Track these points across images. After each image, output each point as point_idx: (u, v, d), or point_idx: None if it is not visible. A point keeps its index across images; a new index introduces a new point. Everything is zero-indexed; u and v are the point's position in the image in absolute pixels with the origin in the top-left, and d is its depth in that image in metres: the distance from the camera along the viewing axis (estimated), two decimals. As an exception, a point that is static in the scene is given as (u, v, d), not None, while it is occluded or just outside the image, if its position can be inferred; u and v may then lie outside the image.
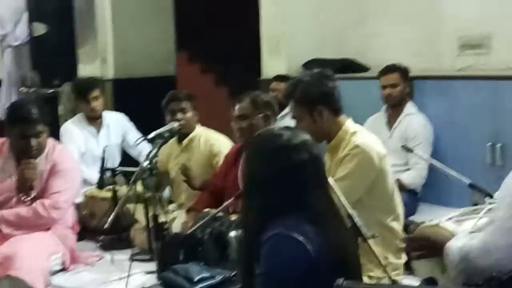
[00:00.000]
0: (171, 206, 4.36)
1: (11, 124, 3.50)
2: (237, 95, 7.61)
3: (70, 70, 7.01)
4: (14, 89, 7.89)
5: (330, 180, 2.55)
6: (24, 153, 3.50)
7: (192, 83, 7.72)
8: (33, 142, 3.48)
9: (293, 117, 3.13)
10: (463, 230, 2.47)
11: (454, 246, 2.28)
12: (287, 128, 2.29)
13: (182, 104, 4.03)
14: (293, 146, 2.17)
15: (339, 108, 3.06)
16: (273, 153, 2.19)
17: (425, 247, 2.39)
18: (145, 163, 3.19)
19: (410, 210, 4.30)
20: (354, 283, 1.97)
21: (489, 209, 2.54)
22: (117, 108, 6.81)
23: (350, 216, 2.56)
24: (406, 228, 3.12)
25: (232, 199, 3.07)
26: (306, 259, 2.05)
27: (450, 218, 2.53)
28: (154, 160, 3.25)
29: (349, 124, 3.07)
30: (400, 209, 3.13)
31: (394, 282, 2.42)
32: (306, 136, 2.25)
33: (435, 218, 4.02)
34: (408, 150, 3.53)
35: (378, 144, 3.08)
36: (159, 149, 3.38)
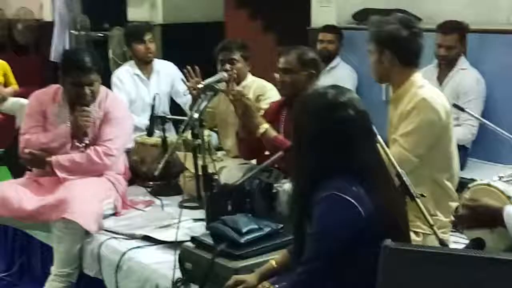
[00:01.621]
0: (219, 153, 4.42)
1: (65, 73, 3.57)
2: (285, 42, 7.64)
3: (119, 14, 7.06)
4: (66, 32, 8.00)
5: (379, 138, 2.58)
6: (78, 100, 3.58)
7: (240, 28, 7.70)
8: (87, 90, 3.55)
9: (368, 50, 3.10)
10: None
11: None
12: (333, 86, 2.30)
13: (232, 54, 4.04)
14: (338, 103, 2.19)
15: (411, 60, 3.02)
16: (319, 111, 2.21)
17: (480, 215, 2.37)
18: (195, 115, 3.22)
19: (460, 165, 4.26)
20: (401, 244, 1.99)
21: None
22: (166, 52, 6.88)
23: (398, 175, 2.58)
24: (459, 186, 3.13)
25: (280, 152, 3.10)
26: (357, 221, 2.10)
27: (500, 177, 2.52)
28: (204, 112, 3.27)
29: (417, 77, 3.03)
30: (456, 168, 3.11)
31: (441, 241, 2.42)
32: (352, 94, 2.26)
33: (484, 174, 4.08)
34: (459, 108, 3.48)
35: (444, 100, 3.05)
36: (209, 102, 3.40)
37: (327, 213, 2.14)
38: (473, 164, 4.40)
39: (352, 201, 2.13)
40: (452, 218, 3.04)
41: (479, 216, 2.36)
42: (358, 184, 2.17)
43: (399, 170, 2.58)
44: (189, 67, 4.10)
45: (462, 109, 3.51)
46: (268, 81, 4.13)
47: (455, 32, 4.38)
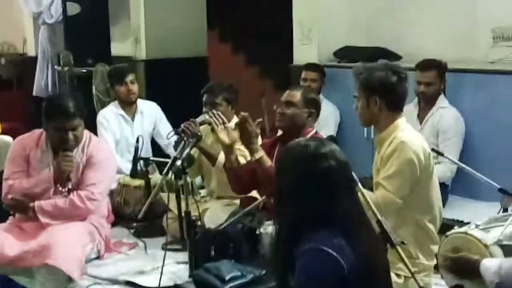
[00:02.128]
0: (203, 191, 4.44)
1: (48, 118, 3.58)
2: (268, 77, 7.73)
3: (103, 50, 7.10)
4: (49, 67, 8.03)
5: (360, 186, 2.62)
6: (61, 145, 3.58)
7: (222, 63, 7.78)
8: (70, 135, 3.56)
9: (354, 96, 3.19)
10: (492, 237, 2.51)
11: (490, 265, 2.31)
12: (314, 139, 2.34)
13: (215, 98, 4.07)
14: (320, 154, 2.23)
15: (397, 104, 3.11)
16: (300, 162, 2.24)
17: (460, 268, 2.42)
18: (178, 163, 3.24)
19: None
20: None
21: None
22: (150, 88, 6.93)
23: (379, 222, 2.62)
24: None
25: (263, 197, 3.13)
26: (339, 274, 2.12)
27: (477, 226, 2.56)
28: (186, 160, 3.29)
29: (401, 121, 3.11)
30: (438, 211, 3.16)
31: (421, 288, 2.45)
32: (333, 146, 2.30)
33: (465, 211, 4.12)
34: (438, 153, 3.54)
35: (423, 142, 3.12)
36: (191, 149, 3.43)
37: (308, 266, 2.16)
38: (454, 201, 4.45)
39: (334, 254, 2.14)
40: (435, 261, 3.09)
41: (458, 268, 2.41)
42: (339, 234, 2.19)
43: (379, 217, 2.61)
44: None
45: (441, 154, 3.56)
46: (254, 115, 4.13)
47: (434, 69, 4.46)
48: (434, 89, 4.46)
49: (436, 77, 4.45)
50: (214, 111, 3.76)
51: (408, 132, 3.08)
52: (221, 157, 3.88)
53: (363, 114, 3.12)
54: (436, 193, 3.12)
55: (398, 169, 2.97)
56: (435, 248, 3.08)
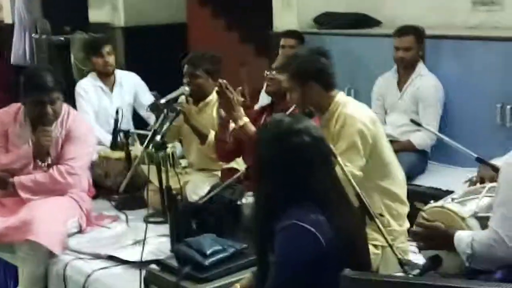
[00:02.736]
0: (183, 162, 4.44)
1: (26, 92, 3.55)
2: (248, 41, 7.67)
3: (81, 17, 6.99)
4: (26, 35, 7.89)
5: (340, 160, 2.63)
6: (40, 120, 3.56)
7: (202, 28, 7.70)
8: (49, 109, 3.54)
9: (286, 89, 3.23)
10: (469, 210, 2.55)
11: (463, 236, 2.35)
12: (289, 115, 2.35)
13: (196, 69, 3.99)
14: (294, 130, 2.24)
15: (331, 84, 3.15)
16: (275, 138, 2.26)
17: (434, 237, 2.46)
18: (158, 137, 3.23)
19: (420, 170, 4.38)
20: (360, 273, 2.04)
21: (490, 188, 2.61)
22: (129, 56, 6.85)
23: (358, 195, 2.64)
24: (409, 198, 3.21)
25: (242, 170, 3.15)
26: (318, 249, 2.15)
27: (453, 199, 2.59)
28: (166, 134, 3.28)
29: (340, 97, 3.15)
30: (399, 173, 3.21)
31: (400, 261, 2.48)
32: (308, 122, 2.31)
33: (444, 177, 4.16)
34: (416, 123, 3.55)
35: (367, 110, 3.19)
36: (170, 123, 3.41)
37: (287, 242, 2.18)
38: (434, 168, 4.48)
39: (312, 229, 2.17)
40: (407, 225, 3.15)
41: (432, 238, 2.45)
42: (318, 210, 2.21)
43: (358, 190, 2.63)
44: (155, 100, 4.06)
45: (419, 125, 3.58)
46: (231, 80, 4.08)
47: (411, 34, 4.46)
48: (412, 54, 4.46)
49: (414, 42, 4.45)
50: (225, 82, 3.60)
51: (350, 105, 3.12)
52: (211, 136, 3.86)
53: (303, 103, 3.11)
54: (391, 155, 3.17)
55: (349, 142, 3.01)
56: (403, 210, 3.16)
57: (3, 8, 8.63)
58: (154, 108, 3.82)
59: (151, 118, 4.68)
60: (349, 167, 2.93)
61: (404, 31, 4.48)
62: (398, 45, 4.46)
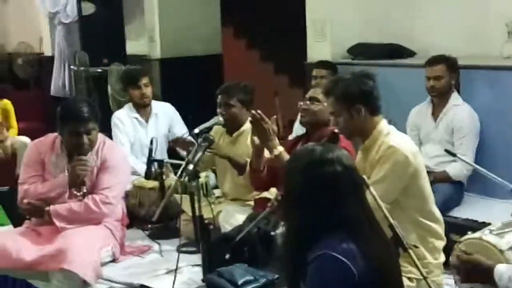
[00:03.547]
0: (217, 192, 4.46)
1: (63, 122, 3.62)
2: (282, 73, 7.72)
3: (119, 50, 7.11)
4: (65, 67, 8.08)
5: (372, 190, 2.61)
6: (76, 149, 3.62)
7: (237, 59, 7.79)
8: (85, 139, 3.60)
9: (331, 113, 3.19)
10: (507, 242, 2.50)
11: (504, 271, 2.30)
12: (322, 144, 2.34)
13: (230, 99, 4.03)
14: (325, 159, 2.24)
15: (377, 107, 3.10)
16: (307, 168, 2.25)
17: (472, 270, 2.41)
18: (190, 166, 3.25)
19: (455, 201, 4.31)
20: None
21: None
22: (165, 87, 6.95)
23: (391, 226, 2.61)
24: (445, 230, 3.16)
25: (273, 200, 3.16)
26: (350, 280, 2.13)
27: (491, 231, 2.55)
28: (198, 164, 3.30)
29: (383, 124, 3.11)
30: (435, 207, 3.15)
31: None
32: (340, 151, 2.30)
33: (481, 209, 4.09)
34: (451, 154, 3.52)
35: (410, 143, 3.13)
36: (203, 153, 3.43)
37: (319, 272, 2.17)
38: (470, 199, 4.41)
39: (344, 260, 2.15)
40: (443, 258, 3.09)
41: (471, 271, 2.40)
42: (349, 240, 2.20)
43: (391, 220, 2.61)
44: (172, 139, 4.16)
45: (454, 155, 3.54)
46: (265, 111, 4.10)
47: (442, 63, 4.43)
48: (443, 83, 4.42)
49: (445, 71, 4.42)
50: (259, 112, 3.59)
51: (395, 136, 3.08)
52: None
53: (349, 127, 3.08)
54: (428, 189, 3.11)
55: (386, 173, 2.97)
56: (439, 244, 3.10)
57: (44, 41, 8.85)
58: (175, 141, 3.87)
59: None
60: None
61: (434, 60, 4.46)
62: (429, 74, 4.45)
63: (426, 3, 5.33)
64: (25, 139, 6.29)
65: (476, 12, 5.02)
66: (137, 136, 4.97)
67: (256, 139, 3.60)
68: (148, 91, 4.98)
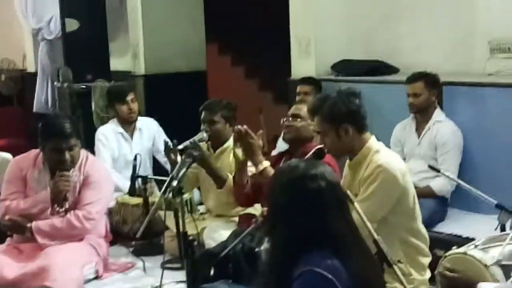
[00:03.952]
0: (201, 208, 4.44)
1: (45, 139, 3.60)
2: (266, 89, 7.73)
3: (103, 66, 7.07)
4: (48, 83, 8.04)
5: (356, 205, 2.61)
6: (58, 166, 3.60)
7: (222, 76, 7.79)
8: (67, 155, 3.58)
9: (317, 132, 3.18)
10: (491, 257, 2.50)
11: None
12: (305, 160, 2.34)
13: (213, 115, 4.04)
14: (309, 175, 2.23)
15: (364, 125, 3.09)
16: (290, 183, 2.25)
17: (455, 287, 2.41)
18: (174, 183, 3.23)
19: (440, 216, 4.32)
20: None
21: (515, 235, 2.57)
22: (149, 103, 6.93)
23: (375, 241, 2.60)
24: (430, 245, 3.16)
25: (259, 217, 3.14)
26: None
27: (476, 246, 2.55)
28: (182, 180, 3.29)
29: (372, 141, 3.10)
30: (421, 225, 3.15)
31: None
32: (323, 167, 2.30)
33: (464, 225, 4.10)
34: (435, 170, 3.53)
35: (399, 162, 3.12)
36: (187, 169, 3.42)
37: None
38: (453, 214, 4.43)
39: (330, 276, 2.14)
40: (428, 274, 3.09)
41: (456, 286, 2.40)
42: (334, 256, 2.19)
43: (376, 237, 2.60)
44: (167, 142, 4.13)
45: (437, 171, 3.55)
46: (250, 127, 4.09)
47: (420, 80, 4.46)
48: (421, 100, 4.45)
49: (423, 88, 4.45)
50: (246, 127, 3.62)
51: (383, 153, 3.06)
52: (229, 180, 3.86)
53: (337, 147, 3.06)
54: (416, 207, 3.11)
55: (374, 192, 2.96)
56: (425, 260, 3.09)
57: (27, 57, 8.82)
58: (168, 151, 3.86)
59: (168, 163, 4.70)
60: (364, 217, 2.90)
61: (413, 77, 4.50)
62: (408, 91, 4.48)
63: (410, 21, 5.37)
64: (7, 155, 6.22)
65: (460, 29, 5.06)
66: (122, 152, 4.95)
67: (239, 153, 3.60)
68: (135, 106, 4.99)
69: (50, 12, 7.76)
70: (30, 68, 8.71)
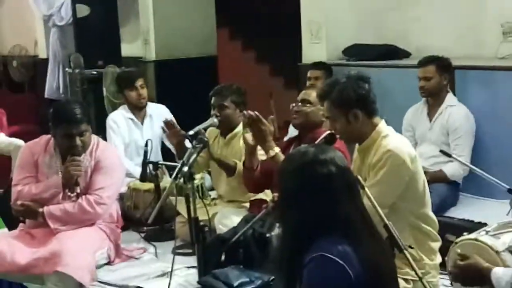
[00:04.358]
0: (212, 193, 4.44)
1: (56, 124, 3.60)
2: (278, 74, 7.71)
3: (114, 51, 7.08)
4: (59, 69, 8.06)
5: (367, 191, 2.60)
6: (69, 151, 3.61)
7: (232, 61, 7.78)
8: (78, 140, 3.59)
9: (327, 117, 3.17)
10: (503, 243, 2.49)
11: (502, 275, 2.29)
12: (315, 145, 2.33)
13: (223, 100, 4.04)
14: (319, 160, 2.22)
15: (374, 110, 3.06)
16: (300, 169, 2.24)
17: (469, 275, 2.40)
18: (185, 168, 3.23)
19: (451, 201, 4.31)
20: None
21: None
22: (160, 89, 6.94)
23: (386, 226, 2.60)
24: (441, 231, 3.14)
25: (271, 205, 3.14)
26: (346, 281, 2.11)
27: (487, 232, 2.54)
28: (193, 165, 3.29)
29: (382, 126, 3.07)
30: (430, 210, 3.13)
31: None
32: (333, 152, 2.29)
33: (476, 209, 4.09)
34: (446, 154, 3.51)
35: (409, 146, 3.09)
36: (197, 154, 3.42)
37: (315, 274, 2.15)
38: (465, 200, 4.41)
39: (341, 262, 2.13)
40: (439, 259, 3.08)
41: (468, 275, 2.38)
42: (345, 241, 2.18)
43: (387, 221, 2.59)
44: (165, 120, 4.10)
45: (449, 155, 3.53)
46: (260, 112, 4.07)
47: (432, 63, 4.43)
48: (433, 84, 4.42)
49: (435, 71, 4.42)
50: (256, 113, 3.59)
51: (392, 138, 3.04)
52: (239, 167, 3.86)
53: (347, 132, 3.05)
54: (426, 193, 3.09)
55: (383, 177, 2.95)
56: (435, 245, 3.08)
57: (38, 43, 8.83)
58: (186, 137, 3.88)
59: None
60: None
61: (425, 61, 4.47)
62: (420, 74, 4.46)
63: (421, 4, 5.33)
64: (19, 141, 6.25)
65: (471, 13, 5.02)
66: (132, 137, 4.96)
67: (249, 137, 3.59)
68: (144, 92, 4.98)
69: (60, -1, 7.78)
70: (42, 55, 8.72)
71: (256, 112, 3.55)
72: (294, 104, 3.69)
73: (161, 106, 5.19)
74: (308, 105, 3.63)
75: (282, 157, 3.44)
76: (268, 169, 3.58)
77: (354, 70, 3.41)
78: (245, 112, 3.60)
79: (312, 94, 3.63)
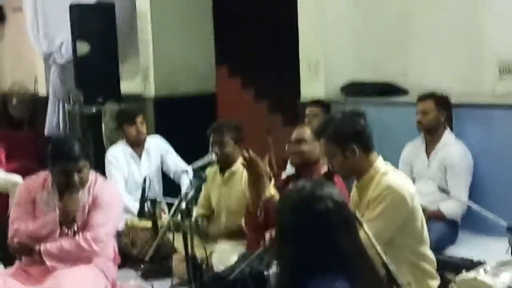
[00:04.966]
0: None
1: (53, 161, 3.60)
2: (277, 112, 7.74)
3: (113, 88, 7.13)
4: (59, 106, 8.08)
5: (365, 227, 2.59)
6: (67, 188, 3.60)
7: (231, 99, 7.81)
8: (75, 177, 3.58)
9: (324, 154, 3.17)
10: (502, 283, 2.47)
11: None
12: (312, 181, 2.33)
13: (222, 137, 4.06)
14: (316, 196, 2.21)
15: (371, 145, 3.08)
16: (297, 205, 2.23)
17: None
18: (183, 204, 3.23)
19: (450, 239, 4.28)
20: None
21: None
22: (159, 126, 6.95)
23: (384, 264, 2.58)
24: (440, 269, 3.12)
25: (267, 240, 3.13)
26: None
27: (486, 271, 2.52)
28: (191, 202, 3.28)
29: (379, 162, 3.09)
30: (428, 249, 3.13)
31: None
32: (330, 188, 2.28)
33: (476, 248, 4.06)
34: (445, 192, 3.51)
35: (408, 184, 3.11)
36: (196, 191, 3.41)
37: None
38: (464, 237, 4.38)
39: None
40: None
41: None
42: (342, 277, 2.17)
43: (385, 259, 2.58)
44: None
45: (447, 193, 3.53)
46: (259, 149, 4.04)
47: (430, 98, 4.47)
48: (430, 118, 4.45)
49: (433, 107, 4.45)
50: (251, 152, 3.61)
51: (392, 175, 3.05)
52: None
53: (345, 168, 3.07)
54: (424, 231, 3.09)
55: (382, 212, 2.95)
56: (434, 283, 3.07)
57: (38, 80, 8.87)
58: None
59: (181, 179, 4.71)
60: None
61: (424, 96, 4.52)
62: (417, 109, 4.50)
63: (419, 42, 5.36)
64: (18, 178, 6.24)
65: (469, 51, 5.05)
66: (131, 172, 4.98)
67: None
68: (144, 128, 5.01)
69: (62, 36, 7.82)
70: (42, 92, 8.76)
71: (250, 151, 3.55)
72: (289, 145, 3.68)
73: (156, 137, 5.22)
74: (303, 144, 3.63)
75: (277, 198, 3.44)
76: (265, 209, 3.57)
77: (350, 108, 3.44)
78: (244, 151, 3.60)
79: (306, 132, 3.65)
